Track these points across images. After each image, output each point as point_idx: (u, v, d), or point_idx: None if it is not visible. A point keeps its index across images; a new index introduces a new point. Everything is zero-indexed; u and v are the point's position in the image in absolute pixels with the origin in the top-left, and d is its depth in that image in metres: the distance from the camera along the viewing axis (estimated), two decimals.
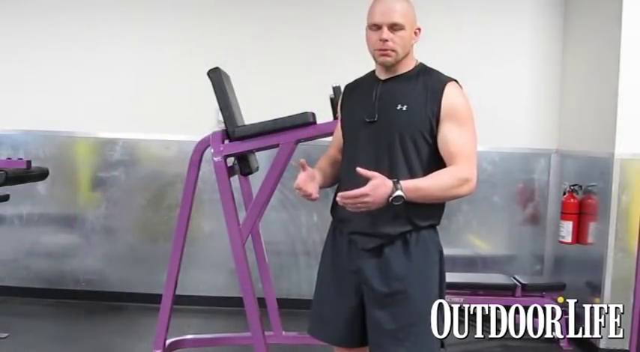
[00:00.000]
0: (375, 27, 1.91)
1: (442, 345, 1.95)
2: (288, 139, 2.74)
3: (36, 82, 4.35)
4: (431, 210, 1.95)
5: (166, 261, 2.93)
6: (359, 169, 1.80)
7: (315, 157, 2.22)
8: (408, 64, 1.97)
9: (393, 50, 1.90)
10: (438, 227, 2.01)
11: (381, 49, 1.91)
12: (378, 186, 1.77)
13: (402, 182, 1.80)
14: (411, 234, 1.93)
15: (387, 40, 1.89)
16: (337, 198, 1.80)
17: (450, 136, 1.89)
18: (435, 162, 1.92)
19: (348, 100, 2.10)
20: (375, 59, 1.97)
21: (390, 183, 1.79)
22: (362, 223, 1.94)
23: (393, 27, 1.89)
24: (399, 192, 1.78)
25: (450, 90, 1.91)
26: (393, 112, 1.92)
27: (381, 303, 1.94)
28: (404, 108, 1.91)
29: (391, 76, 1.97)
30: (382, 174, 1.81)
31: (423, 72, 1.98)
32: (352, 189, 1.79)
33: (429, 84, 1.93)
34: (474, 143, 1.93)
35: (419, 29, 1.97)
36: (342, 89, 2.17)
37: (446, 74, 1.98)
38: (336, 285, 2.04)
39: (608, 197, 3.45)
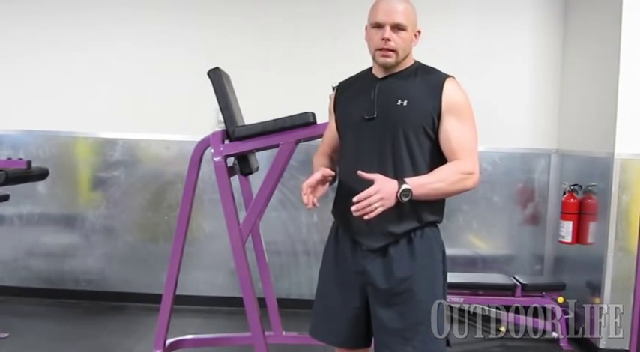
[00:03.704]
0: (378, 26, 1.91)
1: (448, 343, 1.96)
2: (288, 139, 2.73)
3: (36, 82, 4.35)
4: (435, 205, 1.96)
5: (166, 261, 2.93)
6: (360, 173, 1.80)
7: None
8: (406, 63, 1.98)
9: (394, 50, 1.90)
10: (439, 225, 2.02)
11: (382, 49, 1.90)
12: (384, 182, 1.78)
13: (406, 179, 1.81)
14: (415, 232, 1.94)
15: (389, 40, 1.89)
16: (352, 209, 1.77)
17: (451, 131, 1.90)
18: (438, 157, 1.92)
19: (342, 98, 2.09)
20: (374, 59, 1.96)
21: (394, 180, 1.80)
22: (366, 223, 1.92)
23: (396, 27, 1.89)
24: (406, 186, 1.78)
25: (449, 85, 1.92)
26: (394, 108, 1.92)
27: (388, 303, 1.94)
28: (404, 103, 1.91)
29: (389, 73, 1.97)
30: (386, 170, 1.83)
31: (420, 69, 1.98)
32: (356, 187, 1.79)
33: (428, 80, 1.94)
34: (475, 138, 1.94)
35: (419, 32, 1.97)
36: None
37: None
38: (339, 286, 2.04)
39: (608, 197, 3.44)
